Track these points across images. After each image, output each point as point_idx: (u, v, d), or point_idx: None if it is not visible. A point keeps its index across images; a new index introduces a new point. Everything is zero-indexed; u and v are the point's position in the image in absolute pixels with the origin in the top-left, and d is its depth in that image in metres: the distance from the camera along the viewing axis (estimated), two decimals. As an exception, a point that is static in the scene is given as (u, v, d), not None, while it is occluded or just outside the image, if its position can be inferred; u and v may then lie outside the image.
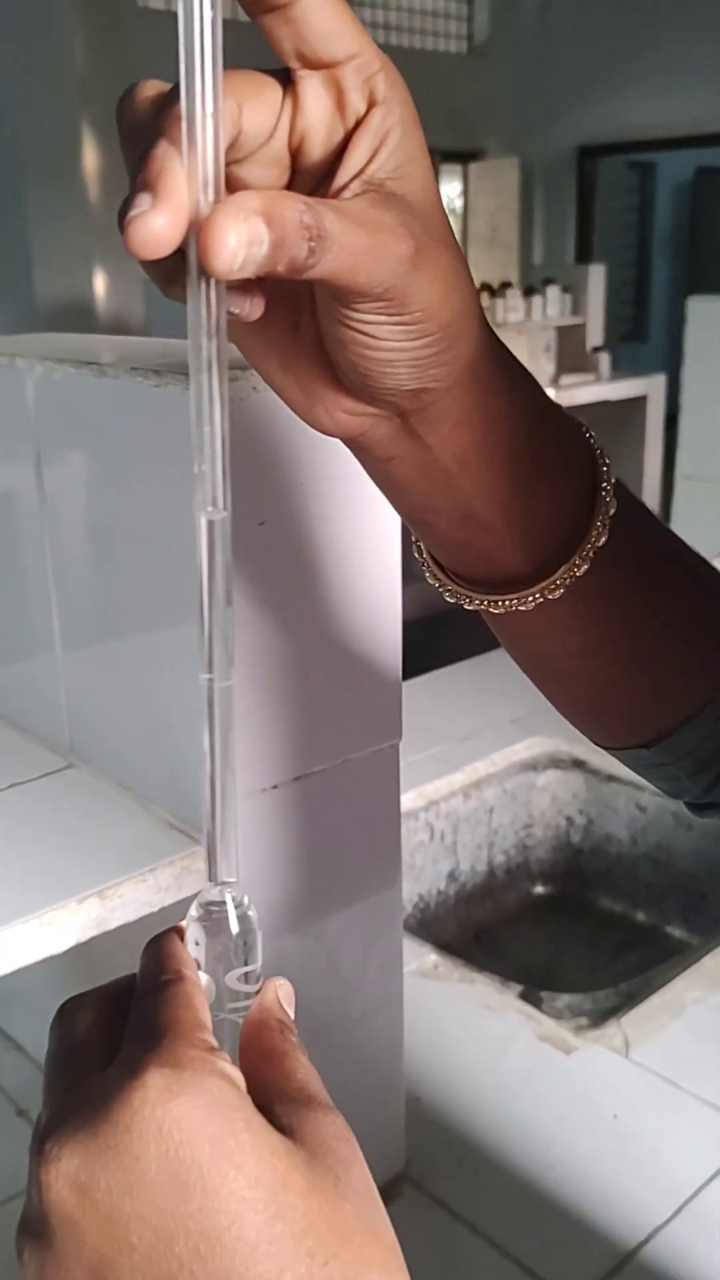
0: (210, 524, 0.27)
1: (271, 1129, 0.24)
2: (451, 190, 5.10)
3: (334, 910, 0.74)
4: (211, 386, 0.26)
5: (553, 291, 3.87)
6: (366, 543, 0.67)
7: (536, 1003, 1.01)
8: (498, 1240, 0.77)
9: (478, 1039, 0.97)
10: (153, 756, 0.71)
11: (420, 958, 1.07)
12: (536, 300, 3.81)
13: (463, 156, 5.05)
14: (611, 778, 1.38)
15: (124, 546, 0.70)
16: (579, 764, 1.41)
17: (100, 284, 3.94)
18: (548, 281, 3.92)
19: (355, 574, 0.68)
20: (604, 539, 0.35)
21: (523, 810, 1.42)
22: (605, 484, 0.35)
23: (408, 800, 1.27)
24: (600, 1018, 0.99)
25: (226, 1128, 0.23)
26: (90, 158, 3.82)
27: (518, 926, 1.40)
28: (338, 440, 0.34)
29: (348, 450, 0.35)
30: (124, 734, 0.74)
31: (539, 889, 1.45)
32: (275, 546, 0.64)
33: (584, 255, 5.28)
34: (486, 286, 3.78)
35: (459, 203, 5.10)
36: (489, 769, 1.37)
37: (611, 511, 0.35)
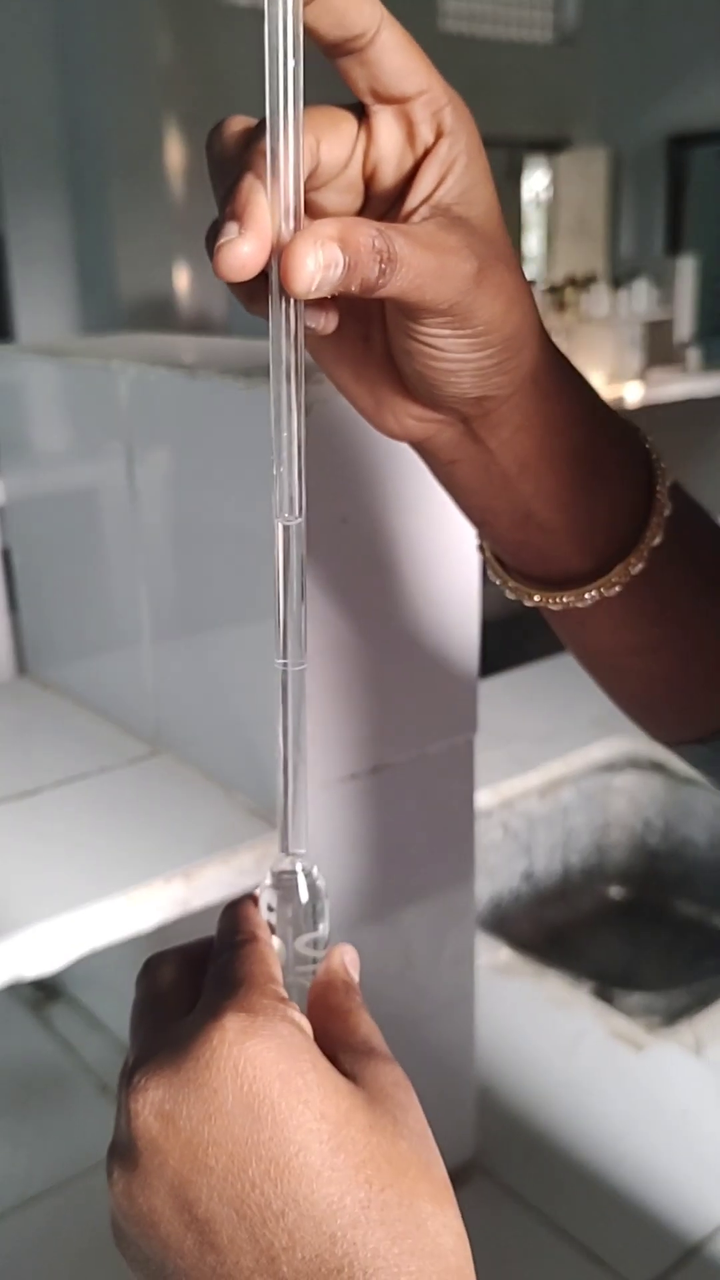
0: (286, 529, 0.29)
1: (336, 1071, 0.27)
2: (539, 181, 5.05)
3: (409, 902, 0.76)
4: (290, 395, 0.28)
5: (640, 284, 3.81)
6: (445, 540, 0.69)
7: (608, 1000, 1.01)
8: (566, 1228, 0.78)
9: (549, 1034, 0.98)
10: (234, 745, 0.74)
11: (493, 953, 1.08)
12: (624, 293, 3.76)
13: (550, 146, 5.00)
14: (690, 781, 1.37)
15: (210, 543, 0.72)
16: (657, 766, 1.39)
17: (182, 281, 4.01)
18: (636, 274, 3.85)
19: (433, 570, 0.69)
20: (659, 539, 0.36)
21: (599, 812, 1.41)
22: (660, 486, 0.36)
23: (482, 799, 1.28)
24: (672, 1017, 0.99)
25: (295, 1067, 0.26)
26: (174, 155, 3.89)
27: (593, 929, 1.39)
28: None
29: None
30: (207, 723, 0.77)
31: (615, 892, 1.44)
32: (357, 543, 0.66)
33: (674, 247, 5.17)
34: (572, 280, 3.74)
35: (546, 194, 5.05)
36: (565, 769, 1.37)
37: (667, 512, 0.36)
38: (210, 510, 0.72)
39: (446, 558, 0.69)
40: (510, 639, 1.35)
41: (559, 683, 1.50)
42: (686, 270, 3.96)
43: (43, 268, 3.87)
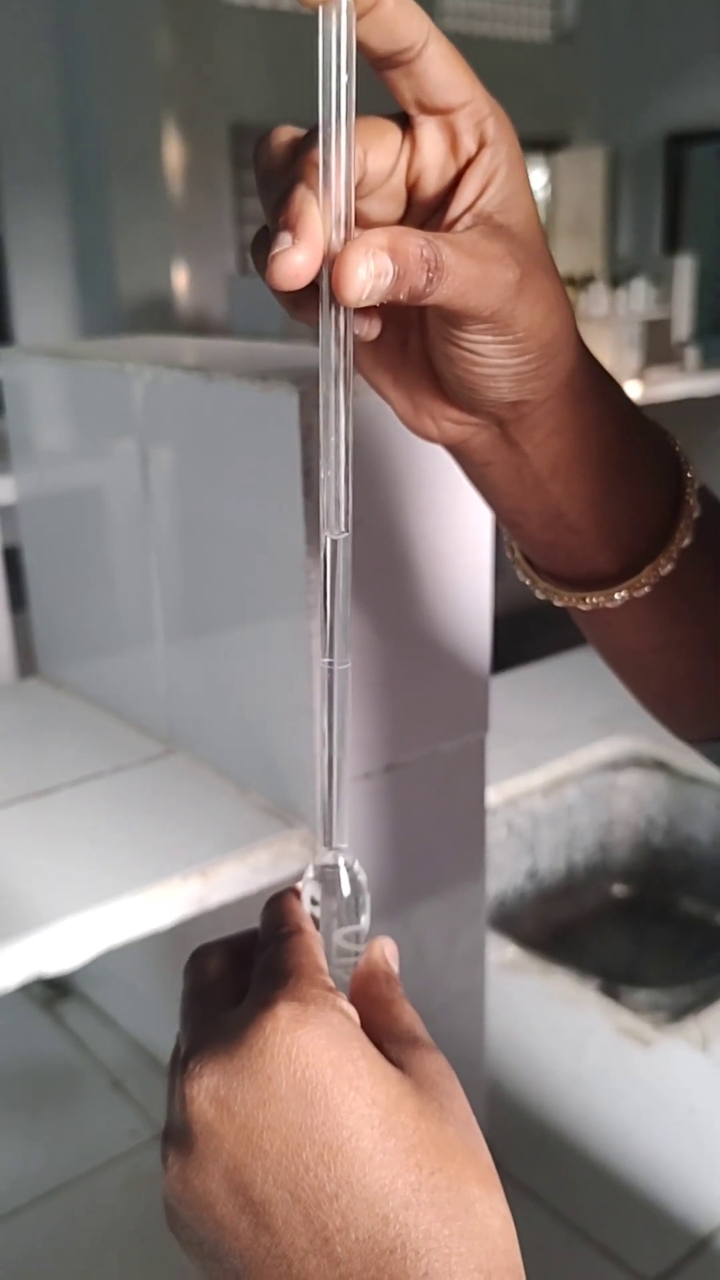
0: (334, 542, 0.29)
1: (384, 1059, 0.28)
2: (537, 180, 5.06)
3: (421, 898, 0.76)
4: (339, 399, 0.29)
5: (639, 283, 3.81)
6: (458, 541, 0.70)
7: (615, 997, 1.02)
8: (576, 1222, 0.79)
9: (557, 1031, 0.98)
10: (249, 744, 0.74)
11: (500, 951, 1.09)
12: (622, 292, 3.76)
13: (548, 145, 5.00)
14: (694, 779, 1.38)
15: (223, 543, 0.73)
16: (661, 765, 1.40)
17: (181, 281, 4.01)
18: (634, 272, 3.86)
19: (447, 571, 0.70)
20: (688, 540, 0.37)
21: (603, 810, 1.42)
22: (690, 489, 0.37)
23: (487, 797, 1.28)
24: (678, 1013, 0.99)
25: (346, 1054, 0.27)
26: (173, 155, 3.88)
27: (597, 926, 1.40)
28: (432, 446, 0.37)
29: (440, 455, 0.38)
30: (221, 722, 0.77)
31: (619, 889, 1.45)
32: (370, 546, 0.66)
33: (672, 246, 5.18)
34: (570, 279, 3.74)
35: (545, 193, 5.05)
36: (569, 768, 1.37)
37: (696, 515, 0.37)
38: (223, 511, 0.72)
39: (459, 558, 0.70)
40: (514, 638, 1.36)
41: (563, 682, 1.51)
42: (685, 269, 3.97)
43: (42, 268, 3.86)
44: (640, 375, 3.75)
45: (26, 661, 1.04)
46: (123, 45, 3.67)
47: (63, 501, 0.92)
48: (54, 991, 1.03)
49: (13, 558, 1.06)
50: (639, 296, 3.83)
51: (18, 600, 1.12)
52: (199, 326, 3.92)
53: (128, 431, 0.79)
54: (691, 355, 3.82)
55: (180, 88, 3.77)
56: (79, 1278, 0.77)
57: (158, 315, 3.90)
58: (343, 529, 0.29)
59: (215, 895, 0.66)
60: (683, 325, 3.93)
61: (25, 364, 0.90)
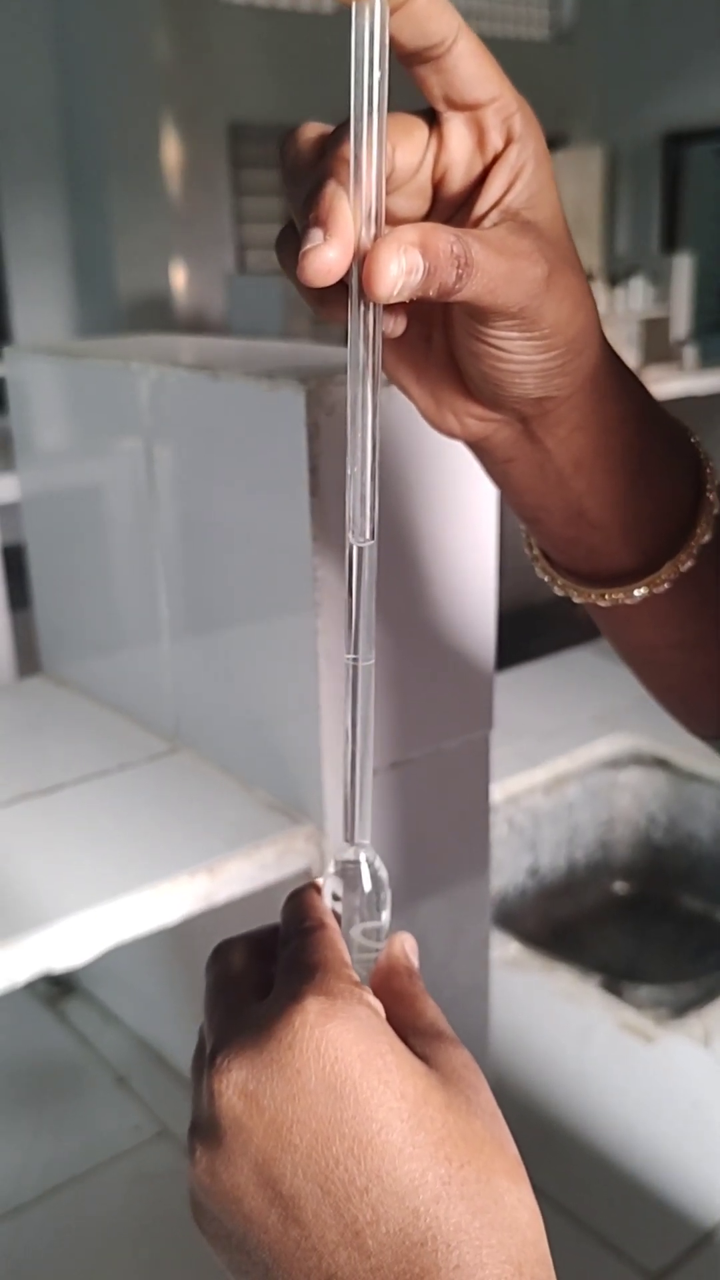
0: (360, 550, 0.30)
1: (411, 1053, 0.28)
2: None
3: (425, 895, 0.77)
4: (367, 396, 0.29)
5: (637, 282, 3.81)
6: (464, 540, 0.70)
7: (617, 993, 1.02)
8: (581, 1216, 0.79)
9: (559, 1027, 0.99)
10: (254, 741, 0.75)
11: (502, 947, 1.09)
12: (620, 291, 3.76)
13: (547, 144, 5.00)
14: (695, 777, 1.38)
15: (229, 541, 0.73)
16: (662, 762, 1.41)
17: (180, 279, 4.00)
18: (632, 271, 3.86)
19: (452, 569, 0.70)
20: (708, 536, 0.37)
21: (604, 807, 1.43)
22: (710, 485, 0.37)
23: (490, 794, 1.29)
24: (680, 1009, 1.00)
25: (375, 1048, 0.27)
26: (172, 153, 3.88)
27: (598, 924, 1.40)
28: (439, 445, 0.37)
29: (446, 455, 0.38)
30: (227, 719, 0.77)
31: (620, 887, 1.45)
32: (377, 544, 0.66)
33: (670, 245, 5.18)
34: (569, 279, 3.73)
35: (542, 193, 5.04)
36: (570, 765, 1.38)
37: (716, 511, 0.37)
38: (229, 509, 0.72)
39: (465, 556, 0.70)
40: (515, 636, 1.36)
41: (564, 679, 1.51)
42: (683, 268, 3.97)
43: (40, 267, 3.86)
44: (638, 374, 3.73)
45: (29, 660, 1.04)
46: (121, 44, 3.66)
47: (67, 499, 0.92)
48: (58, 988, 1.03)
49: (14, 556, 1.06)
50: (637, 295, 3.83)
51: (19, 598, 1.12)
52: (197, 325, 3.92)
53: (133, 430, 0.79)
54: (690, 354, 3.82)
55: (179, 87, 3.77)
56: (83, 1274, 0.77)
57: (156, 314, 3.90)
58: (368, 536, 0.30)
59: (222, 892, 0.67)
60: (681, 324, 3.93)
61: (29, 362, 0.90)
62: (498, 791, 1.32)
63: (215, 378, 0.69)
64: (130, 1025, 0.99)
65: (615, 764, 1.41)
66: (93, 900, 0.63)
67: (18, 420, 0.94)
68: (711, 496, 0.37)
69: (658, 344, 3.85)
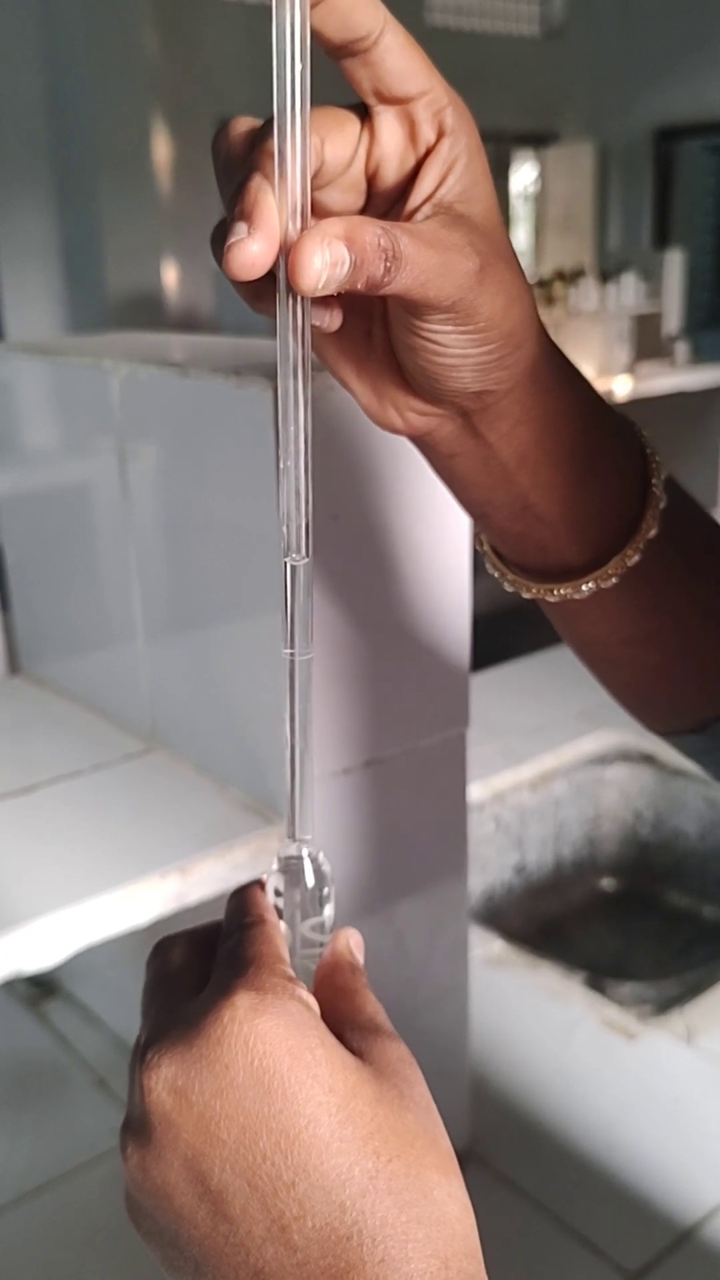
0: (294, 570, 0.30)
1: (342, 1048, 0.28)
2: (526, 175, 5.05)
3: (402, 894, 0.76)
4: (297, 390, 0.29)
5: (628, 278, 3.82)
6: (437, 535, 0.70)
7: (600, 990, 1.02)
8: (560, 1215, 0.79)
9: (542, 1024, 0.99)
10: (229, 740, 0.74)
11: (486, 945, 1.09)
12: (612, 287, 3.76)
13: (537, 140, 5.00)
14: (681, 773, 1.38)
15: (202, 539, 0.73)
16: (647, 758, 1.40)
17: (171, 277, 4.00)
18: (624, 267, 3.86)
19: (426, 565, 0.70)
20: (654, 531, 0.37)
21: (590, 804, 1.42)
22: (655, 479, 0.37)
23: (474, 792, 1.29)
24: (663, 1006, 1.00)
25: (304, 1043, 0.27)
26: (161, 150, 3.87)
27: (585, 920, 1.40)
28: (408, 441, 0.37)
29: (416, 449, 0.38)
30: (202, 719, 0.77)
31: (606, 883, 1.45)
32: (348, 540, 0.66)
33: (662, 240, 5.18)
34: (560, 274, 3.75)
35: (534, 188, 5.05)
36: (556, 762, 1.38)
37: (662, 505, 0.37)
38: (202, 507, 0.72)
39: (438, 553, 0.70)
40: (500, 633, 1.36)
41: (549, 676, 1.51)
42: (674, 264, 3.97)
43: (29, 264, 3.85)
44: (630, 370, 3.75)
45: (9, 659, 1.04)
46: (110, 40, 3.65)
47: (43, 499, 0.92)
48: (38, 989, 1.03)
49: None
50: (629, 291, 3.83)
51: (8, 598, 1.11)
52: (188, 322, 3.91)
53: (106, 428, 0.78)
54: (681, 350, 3.82)
55: (168, 83, 3.76)
56: (63, 1275, 0.77)
57: (146, 312, 3.89)
58: (304, 554, 0.29)
59: (194, 892, 0.66)
60: (672, 320, 3.94)
61: (5, 360, 0.90)
62: (484, 789, 1.31)
63: (184, 375, 0.68)
64: (111, 1026, 0.98)
65: (601, 760, 1.41)
66: (64, 901, 0.63)
67: (-6, 419, 0.94)
68: (658, 490, 0.37)
69: (649, 340, 3.85)
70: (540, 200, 5.09)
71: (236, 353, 0.75)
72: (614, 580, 0.37)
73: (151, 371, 0.72)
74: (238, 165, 0.29)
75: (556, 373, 0.35)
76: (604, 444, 0.37)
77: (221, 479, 0.69)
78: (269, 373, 0.62)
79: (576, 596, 0.37)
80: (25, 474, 0.94)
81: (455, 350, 0.32)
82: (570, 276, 3.74)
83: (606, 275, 3.82)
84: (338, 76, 0.31)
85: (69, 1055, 0.96)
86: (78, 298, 3.98)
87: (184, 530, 0.75)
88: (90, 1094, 0.92)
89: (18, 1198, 0.83)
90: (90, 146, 3.79)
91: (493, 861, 1.35)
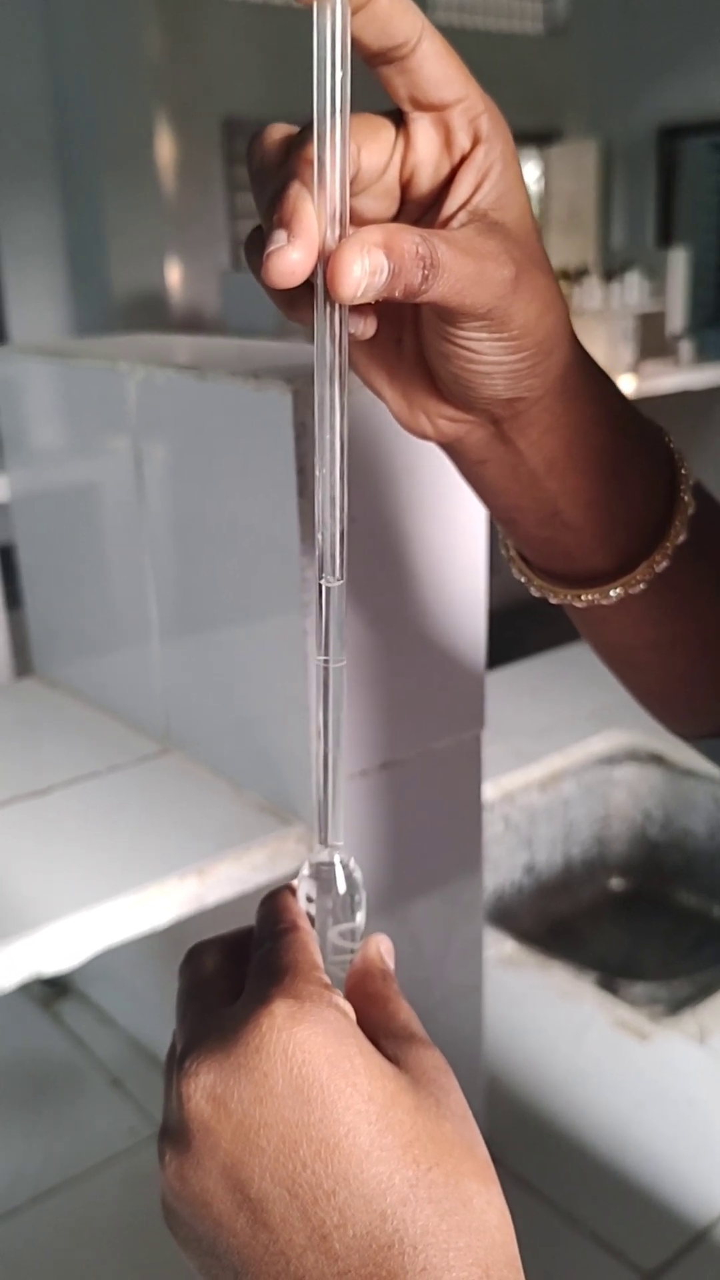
0: (328, 590, 0.30)
1: (381, 1056, 0.28)
2: (530, 173, 5.05)
3: (418, 895, 0.77)
4: (334, 397, 0.29)
5: (632, 277, 3.81)
6: (453, 538, 0.70)
7: (612, 990, 1.02)
8: (575, 1215, 0.79)
9: (555, 1024, 0.99)
10: (245, 742, 0.74)
11: (497, 945, 1.09)
12: (616, 286, 3.76)
13: (541, 139, 5.00)
14: (690, 773, 1.38)
15: (217, 541, 0.73)
16: (657, 758, 1.40)
17: (175, 277, 4.00)
18: (628, 266, 3.86)
19: (442, 568, 0.70)
20: (683, 537, 0.37)
21: (599, 804, 1.43)
22: (684, 485, 0.37)
23: (484, 792, 1.28)
24: (675, 1006, 1.00)
25: (343, 1051, 0.27)
26: (165, 150, 3.87)
27: (594, 920, 1.40)
28: (427, 444, 0.37)
29: (435, 451, 0.38)
30: (217, 721, 0.77)
31: (616, 883, 1.45)
32: (364, 542, 0.66)
33: (666, 239, 5.18)
34: (564, 273, 3.74)
35: (538, 186, 5.05)
36: (565, 762, 1.38)
37: (690, 511, 0.37)
38: (218, 510, 0.72)
39: (454, 555, 0.70)
40: (509, 633, 1.36)
41: (558, 676, 1.51)
42: (678, 262, 3.97)
43: (34, 265, 3.85)
44: (634, 369, 3.75)
45: (22, 661, 1.04)
46: (113, 40, 3.65)
47: (57, 500, 0.92)
48: (53, 990, 1.03)
49: (7, 556, 1.05)
50: (633, 290, 3.83)
51: (13, 599, 1.12)
52: (192, 323, 3.91)
53: (121, 430, 0.79)
54: (685, 348, 3.82)
55: (172, 82, 3.76)
56: (78, 1276, 0.77)
57: (151, 312, 3.89)
58: (338, 576, 0.29)
59: (212, 894, 0.66)
60: (677, 318, 3.93)
61: (18, 362, 0.90)
62: (494, 789, 1.32)
63: (202, 378, 0.68)
64: (125, 1027, 0.99)
65: (611, 760, 1.41)
66: (82, 903, 0.63)
67: (7, 420, 0.94)
68: (686, 497, 0.37)
69: (653, 338, 3.84)
70: (544, 198, 5.09)
71: (249, 355, 0.75)
72: (641, 586, 0.37)
73: (169, 374, 0.72)
74: (273, 172, 0.29)
75: (587, 380, 0.35)
76: (633, 450, 0.37)
77: (237, 482, 0.69)
78: (288, 376, 0.62)
79: (604, 602, 0.37)
80: (39, 476, 0.94)
81: (489, 358, 0.32)
82: (574, 275, 3.74)
83: (610, 274, 3.82)
84: (369, 82, 0.31)
85: (83, 1056, 0.96)
86: (82, 298, 3.98)
87: (199, 532, 0.75)
88: (104, 1094, 0.92)
89: (32, 1198, 0.83)
90: (94, 146, 3.79)
91: (503, 861, 1.35)
